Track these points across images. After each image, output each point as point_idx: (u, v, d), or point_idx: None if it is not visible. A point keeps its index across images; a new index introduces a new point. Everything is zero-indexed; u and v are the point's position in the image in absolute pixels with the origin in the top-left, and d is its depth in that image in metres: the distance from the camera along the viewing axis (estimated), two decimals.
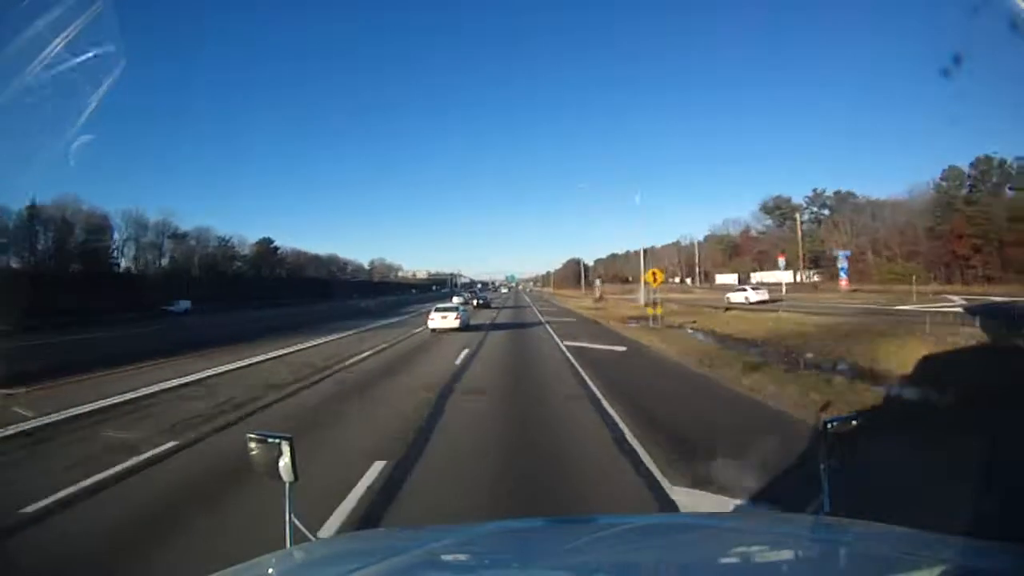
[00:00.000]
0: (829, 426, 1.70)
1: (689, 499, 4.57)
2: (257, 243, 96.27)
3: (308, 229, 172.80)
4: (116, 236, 70.59)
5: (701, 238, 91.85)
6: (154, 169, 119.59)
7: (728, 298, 40.78)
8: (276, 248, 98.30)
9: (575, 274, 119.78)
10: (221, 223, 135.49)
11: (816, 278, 60.11)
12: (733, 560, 1.48)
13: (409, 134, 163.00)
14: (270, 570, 1.44)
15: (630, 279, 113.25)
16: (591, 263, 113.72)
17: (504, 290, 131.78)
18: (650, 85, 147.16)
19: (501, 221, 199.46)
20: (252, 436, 1.71)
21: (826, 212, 62.94)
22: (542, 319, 26.49)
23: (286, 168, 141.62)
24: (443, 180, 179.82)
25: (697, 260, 79.68)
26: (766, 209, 65.84)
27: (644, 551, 1.51)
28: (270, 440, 1.68)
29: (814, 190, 63.54)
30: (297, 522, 1.64)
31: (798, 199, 65.41)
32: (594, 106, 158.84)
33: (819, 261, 57.95)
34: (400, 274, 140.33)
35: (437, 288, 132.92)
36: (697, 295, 55.62)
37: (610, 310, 33.20)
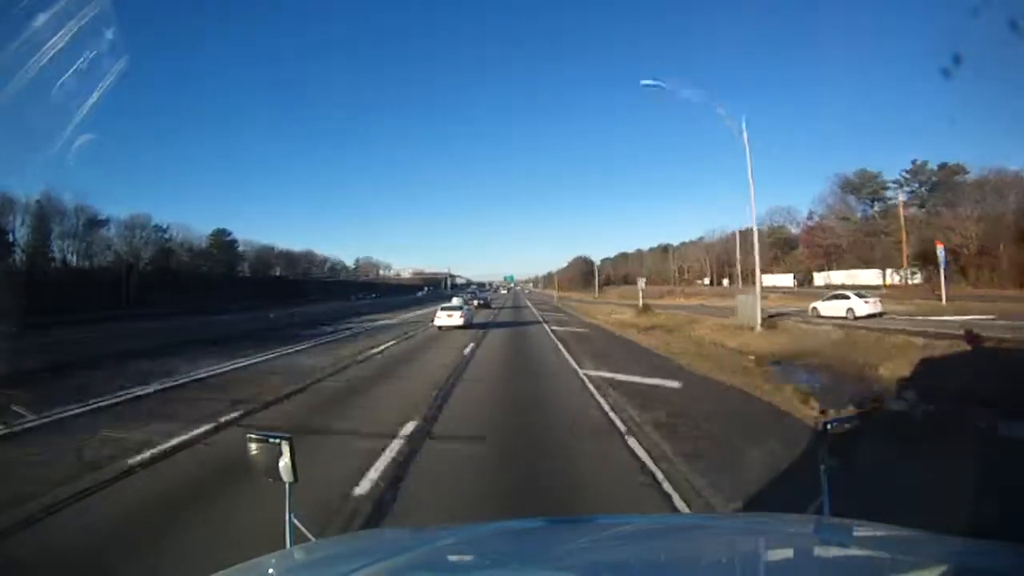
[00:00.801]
0: (829, 427, 1.66)
1: None
2: (211, 235, 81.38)
3: (293, 226, 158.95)
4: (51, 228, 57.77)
5: (733, 232, 77.07)
6: (140, 168, 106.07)
7: (816, 309, 25.90)
8: (233, 241, 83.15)
9: (584, 274, 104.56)
10: (198, 220, 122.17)
11: (917, 278, 45.18)
12: (733, 560, 1.45)
13: (402, 128, 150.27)
14: (270, 570, 1.42)
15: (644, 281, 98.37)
16: (597, 263, 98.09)
17: (503, 291, 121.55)
18: (661, 69, 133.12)
19: (498, 220, 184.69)
20: (252, 436, 1.70)
21: (925, 192, 47.72)
22: (582, 375, 10.73)
23: (270, 162, 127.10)
24: (437, 177, 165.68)
25: (738, 256, 64.45)
26: (849, 186, 50.02)
27: (644, 552, 1.49)
28: (270, 440, 1.66)
29: (913, 162, 48.26)
30: (297, 522, 1.63)
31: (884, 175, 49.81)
32: (600, 95, 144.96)
33: (928, 255, 42.58)
34: (383, 273, 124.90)
35: (431, 289, 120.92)
36: (766, 303, 40.44)
37: (689, 332, 18.18)
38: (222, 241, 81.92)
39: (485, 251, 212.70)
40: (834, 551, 1.43)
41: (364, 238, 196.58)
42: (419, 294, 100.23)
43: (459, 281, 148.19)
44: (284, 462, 1.61)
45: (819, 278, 57.95)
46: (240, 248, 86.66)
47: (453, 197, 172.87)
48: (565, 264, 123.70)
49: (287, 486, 1.62)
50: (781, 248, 63.79)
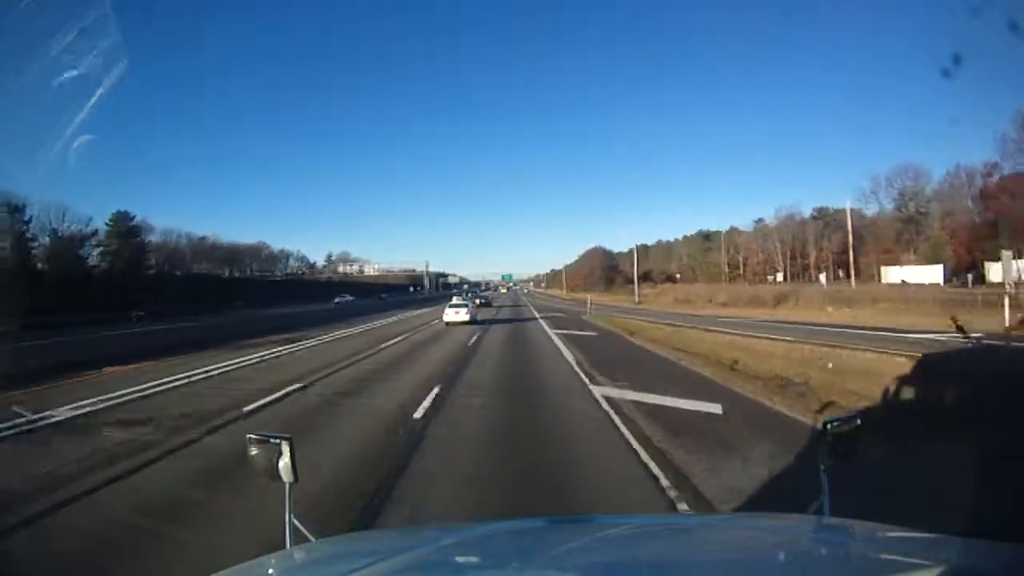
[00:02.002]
0: (829, 427, 1.63)
1: None
2: (111, 220, 60.40)
3: (280, 223, 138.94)
4: None
5: (805, 212, 56.35)
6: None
7: None
8: (137, 228, 61.84)
9: (604, 270, 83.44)
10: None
11: None
12: (733, 560, 1.44)
13: (385, 111, 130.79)
14: (270, 570, 1.43)
15: (677, 278, 76.80)
16: (632, 253, 76.60)
17: (503, 291, 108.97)
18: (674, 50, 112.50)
19: (494, 215, 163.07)
20: (252, 437, 1.68)
21: None
22: None
23: (240, 151, 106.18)
24: (426, 166, 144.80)
25: (850, 240, 43.39)
26: None
27: (644, 552, 1.49)
28: (271, 441, 1.65)
29: None
30: (297, 522, 1.62)
31: None
32: (604, 66, 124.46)
33: None
34: (343, 269, 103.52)
35: (418, 289, 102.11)
36: None
37: None
38: (124, 228, 60.89)
39: (478, 248, 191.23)
40: (834, 551, 1.42)
41: (346, 233, 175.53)
42: (338, 300, 61.74)
43: (452, 280, 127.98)
44: (284, 462, 1.61)
45: (998, 270, 36.93)
46: (158, 238, 66.02)
47: (443, 189, 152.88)
48: (574, 259, 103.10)
49: (287, 486, 1.62)
50: (915, 227, 42.97)
